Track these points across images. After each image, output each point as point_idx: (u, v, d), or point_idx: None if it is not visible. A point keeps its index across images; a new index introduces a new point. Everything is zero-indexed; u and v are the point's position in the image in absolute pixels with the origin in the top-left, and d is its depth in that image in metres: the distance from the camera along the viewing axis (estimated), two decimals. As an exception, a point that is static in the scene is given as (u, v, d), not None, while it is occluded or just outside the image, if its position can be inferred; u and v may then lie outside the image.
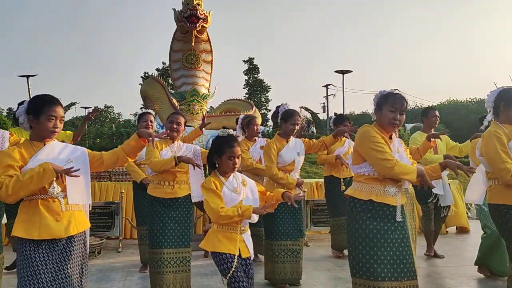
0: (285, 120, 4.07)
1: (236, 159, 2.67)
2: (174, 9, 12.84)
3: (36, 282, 2.27)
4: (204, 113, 4.38)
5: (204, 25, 12.55)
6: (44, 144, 2.43)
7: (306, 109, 22.18)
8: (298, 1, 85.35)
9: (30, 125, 2.41)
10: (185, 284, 3.59)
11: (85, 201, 2.48)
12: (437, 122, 5.18)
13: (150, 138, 2.53)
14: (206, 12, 12.62)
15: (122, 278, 4.41)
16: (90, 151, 2.61)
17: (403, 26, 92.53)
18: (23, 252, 2.30)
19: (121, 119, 46.48)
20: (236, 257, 2.55)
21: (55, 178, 2.30)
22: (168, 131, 3.67)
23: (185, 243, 3.62)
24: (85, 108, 34.98)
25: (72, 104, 17.28)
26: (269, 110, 36.68)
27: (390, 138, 2.68)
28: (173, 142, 3.74)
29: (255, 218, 2.61)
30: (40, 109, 2.36)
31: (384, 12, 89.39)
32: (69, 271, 2.37)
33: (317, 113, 31.59)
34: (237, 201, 2.61)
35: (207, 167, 2.90)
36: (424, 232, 5.32)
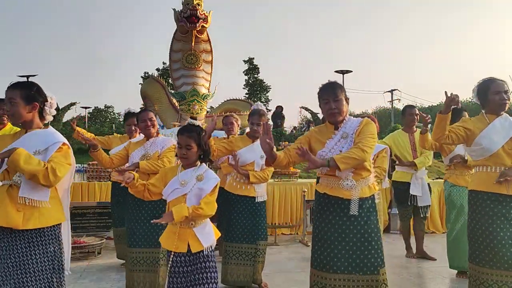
0: (248, 120, 4.00)
1: (184, 149, 2.56)
2: (174, 9, 12.85)
3: None
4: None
5: (204, 25, 12.55)
6: (26, 132, 2.42)
7: (306, 109, 22.05)
8: (298, 1, 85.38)
9: None
10: (154, 284, 3.57)
11: (41, 197, 2.32)
12: (415, 120, 5.06)
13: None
14: (206, 12, 12.62)
15: (122, 278, 4.40)
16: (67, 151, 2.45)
17: (403, 26, 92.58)
18: None
19: (121, 119, 46.43)
20: (172, 254, 2.51)
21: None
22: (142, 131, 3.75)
23: (154, 243, 3.55)
24: (85, 108, 34.98)
25: (72, 104, 17.23)
26: (269, 110, 36.56)
27: (336, 128, 2.68)
28: (148, 140, 3.73)
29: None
30: None
31: (384, 12, 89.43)
32: (30, 267, 2.28)
33: (317, 113, 31.49)
34: (181, 193, 2.54)
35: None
36: (402, 233, 5.35)
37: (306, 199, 6.45)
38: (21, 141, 2.37)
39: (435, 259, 5.14)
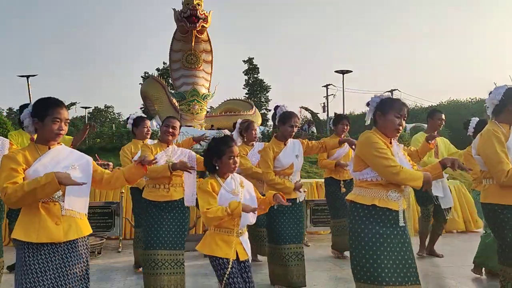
0: (283, 122, 3.96)
1: (236, 158, 2.64)
2: (174, 9, 12.88)
3: None
4: (203, 135, 4.46)
5: (204, 25, 12.59)
6: (49, 148, 2.41)
7: (306, 109, 22.26)
8: (298, 1, 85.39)
9: (35, 128, 2.38)
10: (180, 286, 3.57)
11: (81, 209, 2.44)
12: (442, 125, 5.10)
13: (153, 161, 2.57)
14: (206, 12, 12.66)
15: (122, 278, 4.41)
16: (95, 163, 2.58)
17: (403, 26, 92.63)
18: (22, 257, 2.26)
19: (121, 119, 46.49)
20: (231, 261, 2.51)
21: None
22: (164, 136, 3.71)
23: (179, 245, 3.59)
24: (85, 108, 34.96)
25: (72, 104, 17.29)
26: (269, 110, 36.74)
27: (390, 142, 2.68)
28: (168, 146, 3.71)
29: (251, 219, 2.59)
30: (44, 111, 2.35)
31: (384, 12, 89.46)
32: (69, 277, 2.35)
33: (317, 113, 31.56)
34: None
35: (206, 171, 2.87)
36: (420, 233, 5.34)
37: (306, 199, 6.45)
38: (53, 155, 2.39)
39: (442, 256, 5.25)
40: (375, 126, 2.70)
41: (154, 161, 2.58)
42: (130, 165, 2.61)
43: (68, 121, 2.44)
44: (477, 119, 4.57)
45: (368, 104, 2.74)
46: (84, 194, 2.44)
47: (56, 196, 2.31)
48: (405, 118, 2.64)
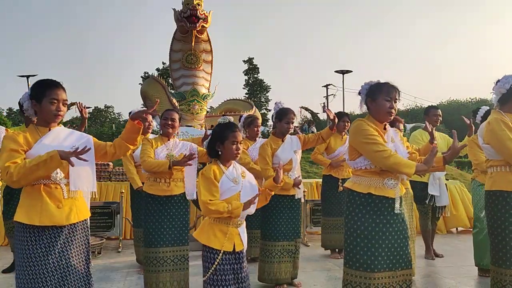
0: (279, 119, 3.97)
1: (239, 145, 2.62)
2: (174, 9, 12.83)
3: (37, 273, 2.24)
4: (206, 129, 4.37)
5: (204, 25, 12.55)
6: (49, 129, 2.41)
7: (306, 109, 22.30)
8: (298, 1, 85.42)
9: (34, 110, 2.39)
10: (183, 282, 3.57)
11: (90, 188, 2.44)
12: (438, 121, 5.12)
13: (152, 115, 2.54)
14: (206, 12, 12.62)
15: (122, 278, 4.41)
16: (96, 139, 2.57)
17: (403, 26, 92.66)
18: (24, 241, 2.26)
19: (121, 119, 46.49)
20: (221, 256, 2.50)
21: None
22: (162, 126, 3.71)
23: (182, 241, 3.59)
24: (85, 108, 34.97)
25: (72, 104, 17.26)
26: (269, 110, 36.74)
27: (385, 128, 2.67)
28: (169, 140, 3.71)
29: (251, 209, 2.57)
30: (42, 92, 2.35)
31: (384, 12, 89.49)
32: (72, 260, 2.36)
33: (317, 113, 31.56)
34: (235, 191, 2.56)
35: (207, 162, 2.85)
36: (422, 232, 5.32)
37: (306, 199, 6.45)
38: (54, 136, 2.40)
39: (442, 256, 5.25)
40: (368, 113, 2.70)
41: (146, 112, 2.52)
42: (125, 127, 2.57)
43: (67, 102, 2.42)
44: (487, 107, 4.53)
45: (359, 93, 2.72)
46: (88, 172, 2.42)
47: (58, 179, 2.32)
48: (396, 101, 2.61)
